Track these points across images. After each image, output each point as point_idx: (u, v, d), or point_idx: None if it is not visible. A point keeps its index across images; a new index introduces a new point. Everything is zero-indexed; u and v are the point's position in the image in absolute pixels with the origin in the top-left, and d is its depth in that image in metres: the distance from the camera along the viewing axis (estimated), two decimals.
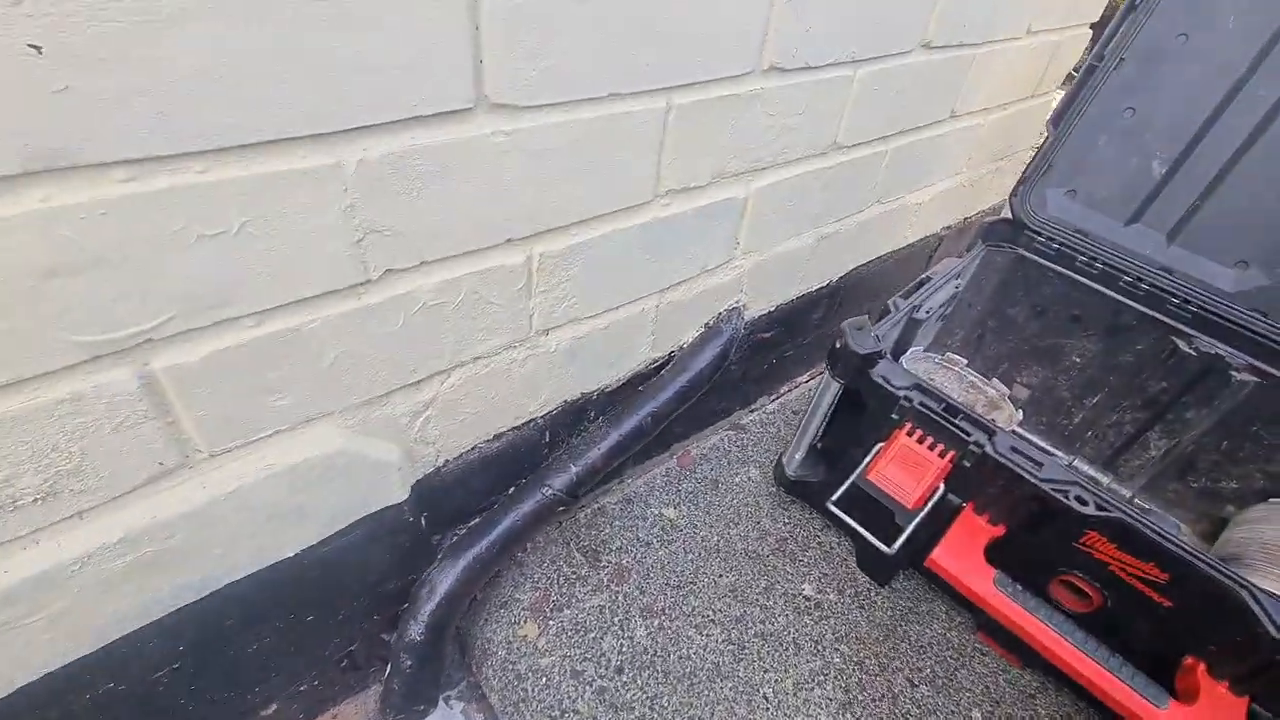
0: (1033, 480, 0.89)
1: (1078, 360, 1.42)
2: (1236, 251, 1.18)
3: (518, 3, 0.62)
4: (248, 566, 0.76)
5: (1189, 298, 1.22)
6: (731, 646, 1.09)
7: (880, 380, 1.02)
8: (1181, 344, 1.25)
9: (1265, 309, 1.15)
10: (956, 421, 0.97)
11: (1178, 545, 0.82)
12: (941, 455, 0.98)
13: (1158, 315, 1.26)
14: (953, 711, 1.05)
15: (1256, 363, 1.17)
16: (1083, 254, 1.31)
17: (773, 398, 1.59)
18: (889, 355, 1.04)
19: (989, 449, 0.93)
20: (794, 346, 1.50)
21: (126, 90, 0.46)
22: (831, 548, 1.27)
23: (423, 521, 0.95)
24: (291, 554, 0.79)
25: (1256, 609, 0.78)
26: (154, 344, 0.58)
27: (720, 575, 1.19)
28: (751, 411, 1.54)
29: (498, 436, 0.99)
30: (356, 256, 0.66)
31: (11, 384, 0.52)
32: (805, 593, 1.19)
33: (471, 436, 0.94)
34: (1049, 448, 1.50)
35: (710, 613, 1.13)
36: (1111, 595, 0.94)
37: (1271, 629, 0.76)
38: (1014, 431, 1.17)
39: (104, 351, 0.55)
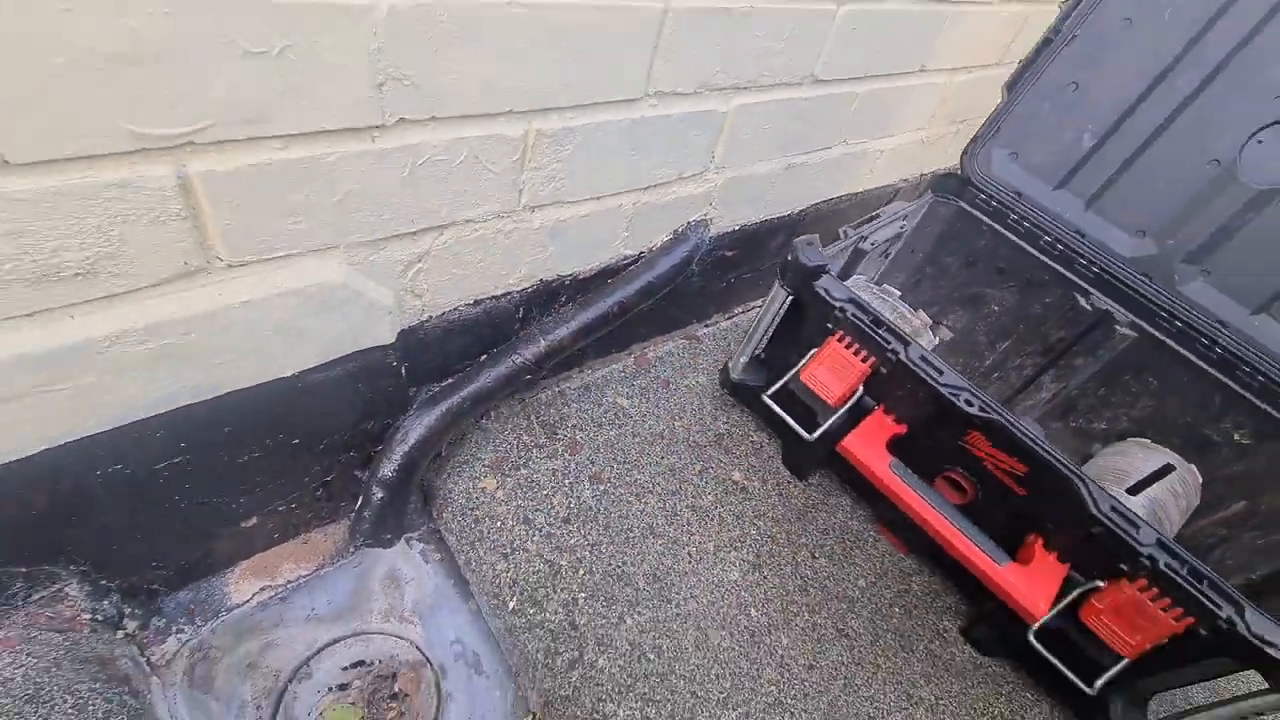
0: (933, 384, 1.06)
1: (996, 309, 1.60)
2: (1137, 222, 1.36)
3: None
4: (250, 378, 0.85)
5: (1093, 259, 1.40)
6: (665, 512, 1.25)
7: (822, 291, 1.16)
8: (1081, 299, 1.43)
9: (1151, 273, 1.34)
10: (880, 332, 1.12)
11: (1036, 442, 1.01)
12: (864, 361, 1.14)
13: (1066, 273, 1.44)
14: (843, 579, 1.25)
15: (1136, 319, 1.37)
16: (1014, 212, 1.47)
17: (727, 316, 1.72)
18: (832, 272, 1.18)
19: (903, 356, 1.09)
20: (752, 270, 1.63)
21: None
22: (762, 445, 1.44)
23: (403, 371, 1.05)
24: (289, 374, 0.89)
25: (1085, 493, 0.97)
26: (194, 147, 0.65)
27: (662, 457, 1.34)
28: (706, 326, 1.68)
29: (478, 302, 1.08)
30: (376, 100, 0.74)
31: (71, 159, 0.59)
32: (734, 478, 1.35)
33: (455, 296, 1.04)
34: None
35: (650, 485, 1.29)
36: (982, 488, 1.14)
37: (1092, 507, 0.96)
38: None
39: (151, 146, 0.63)
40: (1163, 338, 1.35)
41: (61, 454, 0.76)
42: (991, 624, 1.19)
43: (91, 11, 0.53)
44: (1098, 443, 1.52)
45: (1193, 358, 1.33)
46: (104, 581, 0.95)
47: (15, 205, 0.58)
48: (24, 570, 0.86)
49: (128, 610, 0.99)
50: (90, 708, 0.86)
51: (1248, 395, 1.29)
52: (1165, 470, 1.32)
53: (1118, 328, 1.39)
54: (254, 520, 1.06)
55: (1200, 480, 1.35)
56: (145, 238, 0.67)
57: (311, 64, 0.66)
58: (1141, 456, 1.37)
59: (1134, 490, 1.29)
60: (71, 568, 0.90)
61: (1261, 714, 0.92)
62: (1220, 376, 1.31)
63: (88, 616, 0.93)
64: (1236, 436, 1.33)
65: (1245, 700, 0.93)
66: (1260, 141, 1.21)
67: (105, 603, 0.96)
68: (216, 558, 1.08)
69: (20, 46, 0.51)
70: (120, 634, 0.98)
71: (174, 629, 1.04)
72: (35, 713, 0.83)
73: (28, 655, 0.87)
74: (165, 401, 0.80)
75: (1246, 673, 0.94)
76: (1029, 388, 1.59)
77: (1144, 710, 1.09)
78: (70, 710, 0.85)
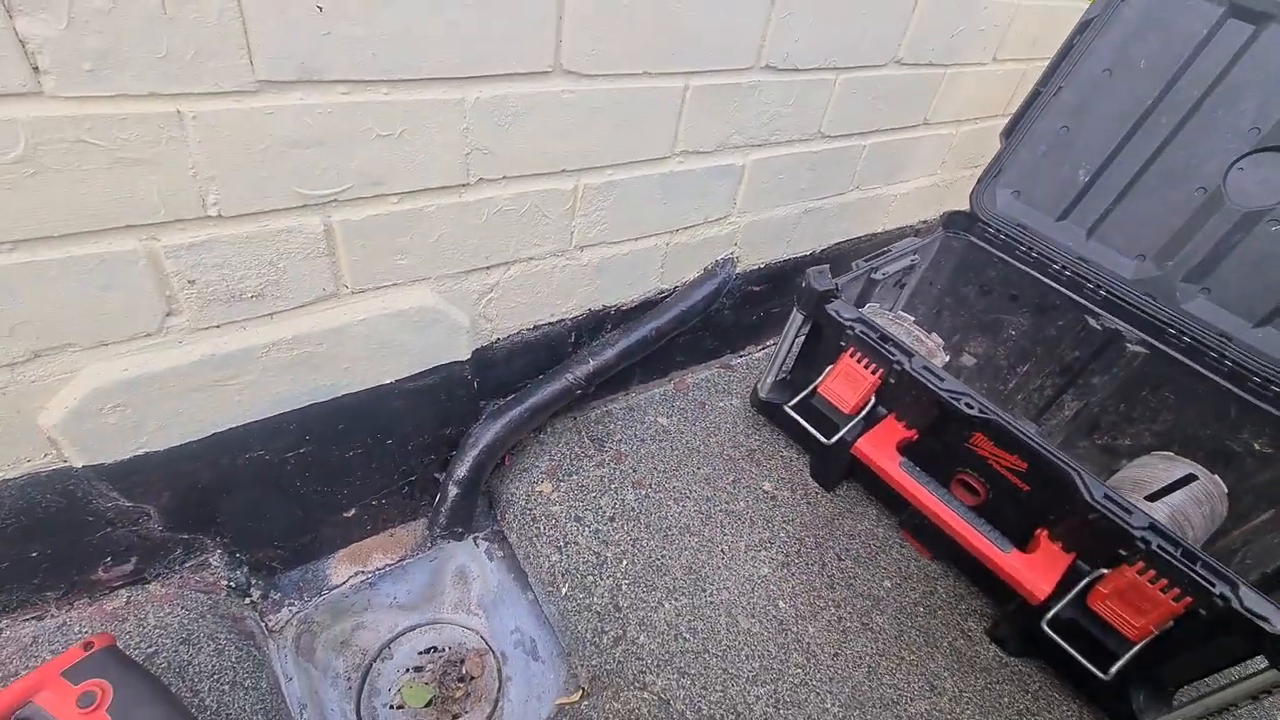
0: (936, 389, 1.19)
1: (1013, 334, 1.70)
2: (1137, 247, 1.46)
3: (590, 4, 0.94)
4: (360, 383, 1.08)
5: (1100, 283, 1.50)
6: (700, 515, 1.39)
7: (833, 313, 1.31)
8: (1091, 321, 1.53)
9: (1154, 293, 1.43)
10: (887, 346, 1.26)
11: (1031, 439, 1.11)
12: (874, 373, 1.28)
13: (1076, 297, 1.55)
14: (869, 579, 1.35)
15: (1146, 336, 1.45)
16: (1021, 244, 1.60)
17: (759, 347, 1.89)
18: (842, 296, 1.34)
19: (907, 366, 1.23)
20: (780, 305, 1.80)
21: (357, 37, 0.78)
22: (791, 460, 1.57)
23: (476, 385, 1.26)
24: (389, 381, 1.11)
25: (1079, 483, 1.07)
26: (337, 203, 0.90)
27: (698, 468, 1.49)
28: (740, 356, 1.84)
29: (537, 327, 1.30)
30: (463, 165, 0.98)
31: (259, 213, 0.84)
32: (765, 488, 1.49)
33: (518, 321, 1.26)
34: None
35: (687, 491, 1.43)
36: (992, 488, 1.23)
37: (1086, 496, 1.05)
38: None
39: (309, 202, 0.87)
40: (1173, 353, 1.42)
41: (224, 438, 0.99)
42: (1013, 622, 1.25)
43: (283, 113, 0.79)
44: (1124, 459, 1.57)
45: (1204, 371, 1.39)
46: (238, 555, 1.17)
47: (224, 246, 0.83)
48: (185, 538, 1.09)
49: (253, 581, 1.20)
50: (226, 652, 1.06)
51: (1262, 405, 1.34)
52: (1187, 479, 1.36)
53: (1128, 345, 1.47)
54: (353, 511, 1.27)
55: (1225, 490, 1.38)
56: (299, 269, 0.92)
57: (421, 141, 0.91)
58: (1163, 468, 1.42)
59: (1153, 498, 1.34)
60: (217, 539, 1.13)
61: (1269, 692, 0.96)
62: (1232, 388, 1.36)
63: (225, 583, 1.15)
64: (1257, 446, 1.37)
65: (1250, 680, 0.97)
66: (1241, 169, 1.32)
67: (238, 573, 1.18)
68: (322, 543, 1.29)
69: (240, 136, 0.77)
70: (247, 600, 1.19)
71: (286, 602, 1.25)
72: (187, 650, 1.04)
73: (182, 608, 1.09)
74: (299, 399, 1.03)
75: (1259, 657, 0.98)
76: (1051, 407, 1.66)
77: (1168, 702, 1.12)
78: (212, 652, 1.05)
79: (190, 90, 0.72)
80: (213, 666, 1.04)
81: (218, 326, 0.90)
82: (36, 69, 0.64)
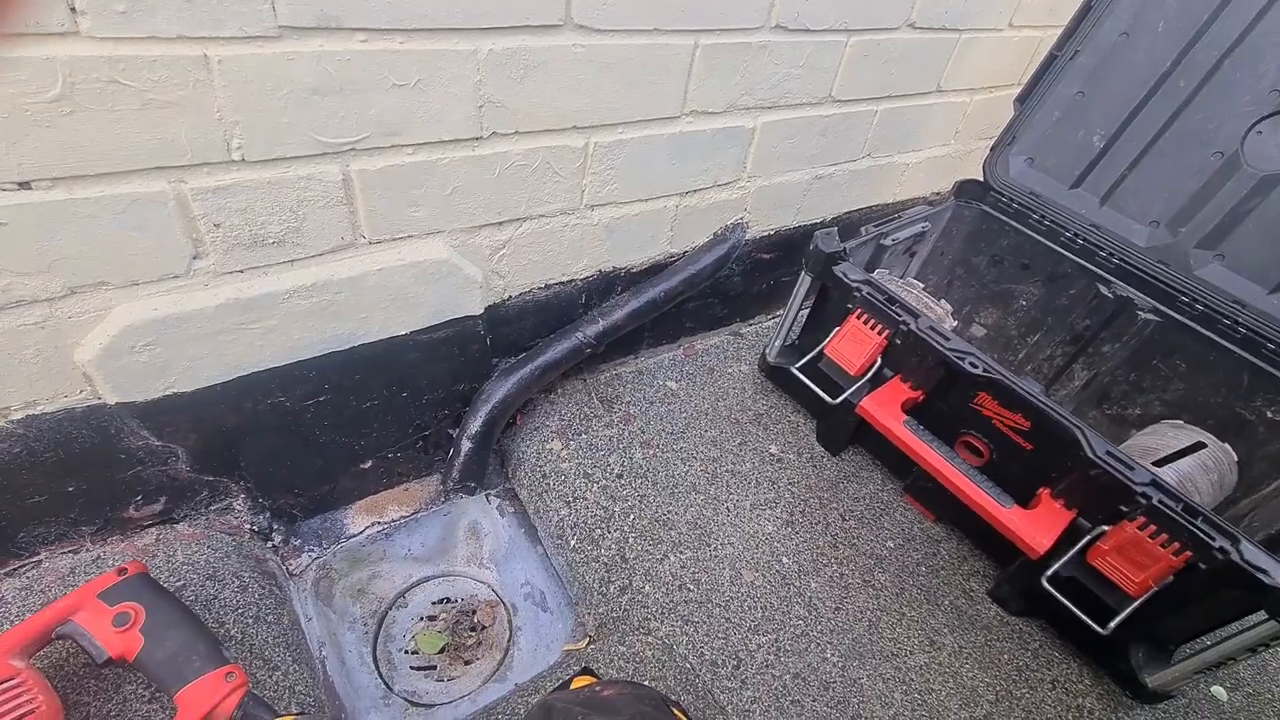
0: (940, 348, 1.20)
1: (1024, 303, 1.70)
2: (1150, 214, 1.45)
3: None
4: (376, 334, 1.12)
5: (1112, 251, 1.49)
6: (706, 475, 1.42)
7: (840, 275, 1.33)
8: (1103, 289, 1.52)
9: (1167, 261, 1.42)
10: (893, 308, 1.27)
11: (1035, 397, 1.12)
12: (880, 334, 1.29)
13: (1088, 265, 1.54)
14: (872, 540, 1.37)
15: (1158, 304, 1.44)
16: (1034, 212, 1.59)
17: (769, 316, 1.90)
18: (850, 259, 1.35)
19: (913, 326, 1.24)
20: (790, 273, 1.80)
21: None
22: (798, 425, 1.58)
23: (488, 341, 1.29)
24: (404, 333, 1.15)
25: (1082, 439, 1.07)
26: (355, 152, 0.93)
27: (705, 430, 1.52)
28: (750, 324, 1.86)
29: (548, 286, 1.33)
30: (476, 118, 1.00)
31: (281, 159, 0.87)
32: (771, 451, 1.51)
33: (529, 279, 1.28)
34: None
35: (694, 451, 1.46)
36: (995, 448, 1.24)
37: (1089, 452, 1.06)
38: None
39: (329, 150, 0.91)
40: (1185, 321, 1.41)
41: (247, 382, 1.03)
42: (1015, 582, 1.26)
43: (303, 59, 0.82)
44: (1134, 429, 1.56)
45: (1216, 338, 1.38)
46: (260, 500, 1.22)
47: (248, 190, 0.87)
48: (210, 480, 1.14)
49: (275, 527, 1.25)
50: (250, 589, 1.11)
51: (1276, 372, 1.33)
52: (1195, 447, 1.36)
53: (1139, 313, 1.46)
54: (370, 463, 1.31)
55: (1235, 458, 1.38)
56: (318, 217, 0.95)
57: (436, 91, 0.93)
58: (1171, 435, 1.42)
59: (1160, 464, 1.34)
60: (240, 483, 1.17)
61: (1267, 645, 0.96)
62: (1246, 355, 1.35)
63: (248, 526, 1.20)
64: (1269, 414, 1.36)
65: (1248, 632, 0.98)
66: (1260, 132, 1.30)
67: (260, 518, 1.23)
68: (340, 494, 1.33)
69: (263, 82, 0.80)
70: (269, 544, 1.24)
71: (306, 548, 1.30)
72: (214, 586, 1.09)
73: (208, 547, 1.14)
74: (317, 346, 1.07)
75: (1260, 612, 0.99)
76: (1061, 377, 1.66)
77: (1168, 659, 1.13)
78: (237, 589, 1.10)
79: (216, 34, 0.75)
80: (237, 602, 1.09)
81: (241, 271, 0.94)
82: (74, 9, 0.67)
